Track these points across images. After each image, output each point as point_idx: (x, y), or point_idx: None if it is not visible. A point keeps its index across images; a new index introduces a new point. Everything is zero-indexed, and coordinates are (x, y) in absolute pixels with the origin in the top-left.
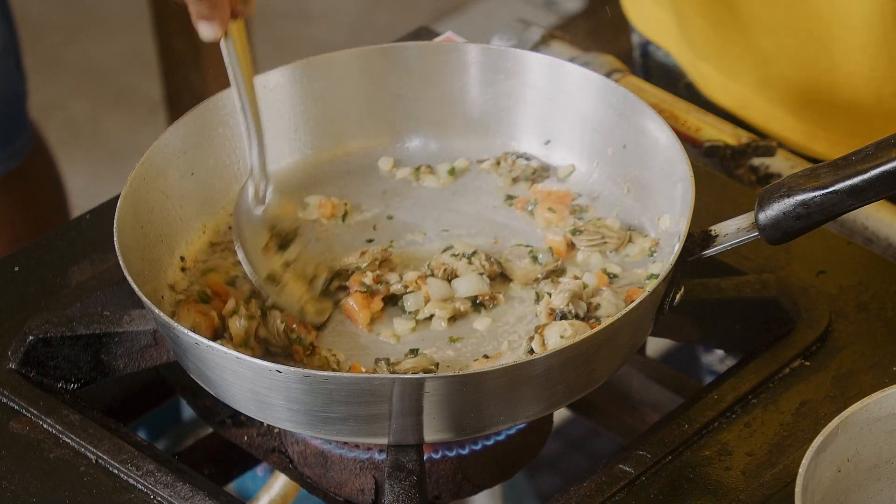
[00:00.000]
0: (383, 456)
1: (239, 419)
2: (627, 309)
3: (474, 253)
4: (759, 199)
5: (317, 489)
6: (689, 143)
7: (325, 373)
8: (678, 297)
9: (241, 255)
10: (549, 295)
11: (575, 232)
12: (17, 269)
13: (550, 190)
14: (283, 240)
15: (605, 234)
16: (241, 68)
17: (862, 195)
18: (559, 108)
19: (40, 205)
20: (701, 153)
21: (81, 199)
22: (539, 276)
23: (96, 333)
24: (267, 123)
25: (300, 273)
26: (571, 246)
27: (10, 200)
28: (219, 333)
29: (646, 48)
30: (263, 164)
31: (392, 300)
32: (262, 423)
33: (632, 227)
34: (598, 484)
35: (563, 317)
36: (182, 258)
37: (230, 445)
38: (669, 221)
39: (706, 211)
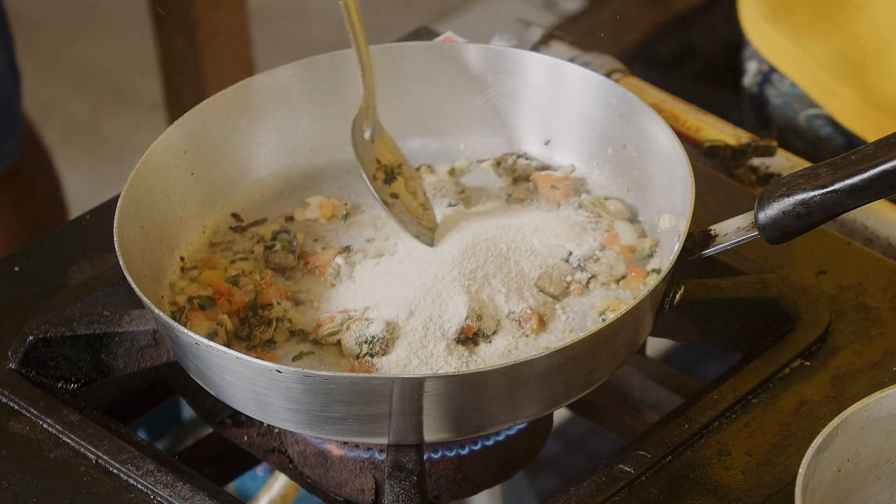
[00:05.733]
0: (383, 456)
1: (239, 419)
2: (627, 309)
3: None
4: (759, 199)
5: (317, 489)
6: (689, 143)
7: (325, 372)
8: (678, 296)
9: (364, 178)
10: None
11: (579, 206)
12: (17, 269)
13: (550, 174)
14: (389, 173)
15: (601, 214)
16: (355, 21)
17: (862, 194)
18: (559, 108)
19: (36, 204)
20: (701, 153)
21: (81, 199)
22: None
23: (96, 333)
24: (267, 123)
25: (408, 204)
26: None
27: (5, 201)
28: (240, 335)
29: (768, 76)
30: (370, 105)
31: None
32: (262, 423)
33: (632, 221)
34: (598, 484)
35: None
36: (182, 258)
37: (230, 445)
38: (669, 221)
39: (706, 211)
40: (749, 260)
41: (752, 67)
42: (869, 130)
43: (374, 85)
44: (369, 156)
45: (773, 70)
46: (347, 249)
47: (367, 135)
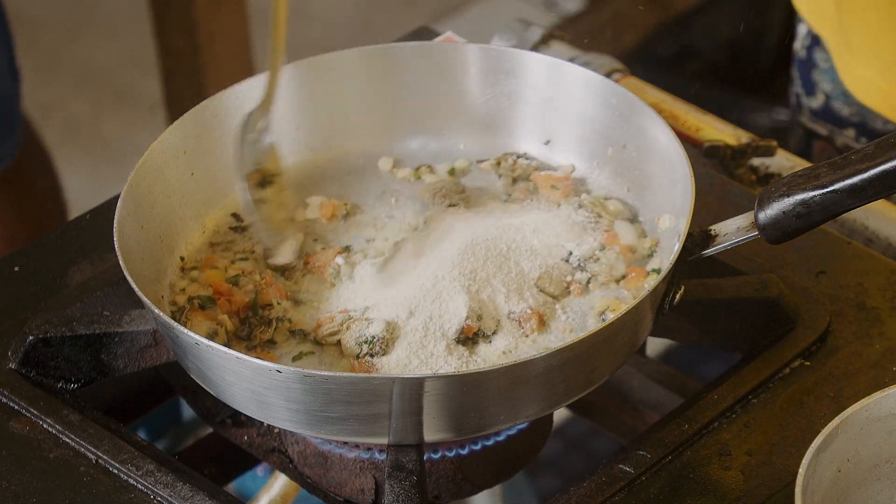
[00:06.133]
0: (383, 456)
1: (239, 419)
2: (627, 309)
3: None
4: (759, 199)
5: (317, 489)
6: (689, 143)
7: (325, 373)
8: (678, 296)
9: (235, 173)
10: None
11: (579, 206)
12: (17, 269)
13: (550, 174)
14: (264, 177)
15: (601, 214)
16: (275, 21)
17: (862, 194)
18: (559, 108)
19: (36, 204)
20: (701, 153)
21: (81, 199)
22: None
23: (96, 333)
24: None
25: (271, 213)
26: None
27: (5, 201)
28: (240, 335)
29: (818, 39)
30: (268, 106)
31: None
32: (262, 423)
33: (632, 221)
34: (598, 484)
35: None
36: (182, 258)
37: (230, 445)
38: (669, 221)
39: (706, 211)
40: (749, 260)
41: (802, 30)
42: (884, 106)
43: (277, 86)
44: (250, 155)
45: None
46: (347, 249)
47: (257, 134)
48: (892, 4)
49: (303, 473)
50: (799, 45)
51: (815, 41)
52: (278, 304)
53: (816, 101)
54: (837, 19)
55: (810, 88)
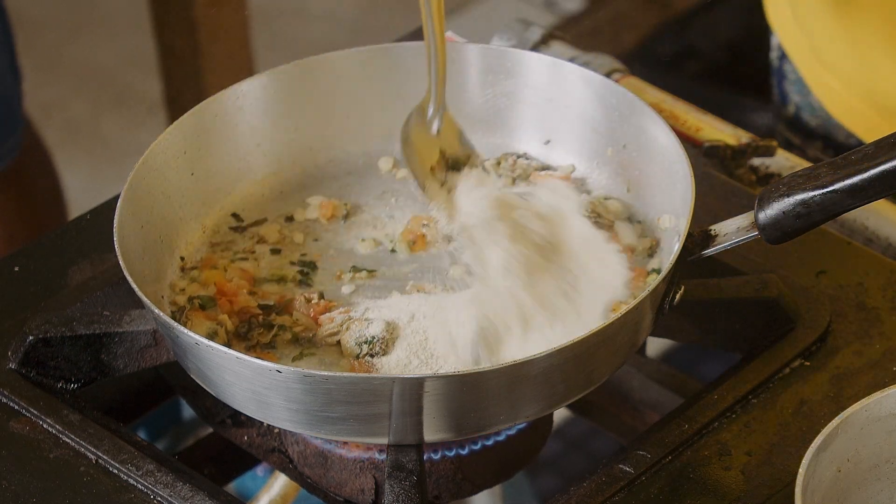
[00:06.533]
0: (383, 456)
1: (239, 419)
2: (627, 309)
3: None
4: (759, 199)
5: (317, 489)
6: (689, 143)
7: (325, 373)
8: (678, 296)
9: (408, 160)
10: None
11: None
12: (17, 269)
13: (550, 174)
14: (455, 164)
15: (601, 214)
16: (433, 12)
17: (862, 194)
18: (559, 108)
19: (36, 204)
20: (701, 153)
21: (81, 199)
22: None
23: (96, 333)
24: (267, 124)
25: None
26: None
27: (5, 201)
28: (241, 334)
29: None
30: (441, 94)
31: None
32: (262, 423)
33: (632, 221)
34: (598, 484)
35: None
36: (182, 258)
37: (230, 445)
38: (669, 221)
39: (706, 211)
40: (749, 260)
41: (774, 41)
42: (858, 126)
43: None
44: (429, 145)
45: None
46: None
47: (434, 126)
48: (858, 22)
49: (303, 473)
50: (774, 55)
51: (783, 53)
52: (295, 319)
53: (789, 111)
54: (807, 33)
55: (784, 98)
